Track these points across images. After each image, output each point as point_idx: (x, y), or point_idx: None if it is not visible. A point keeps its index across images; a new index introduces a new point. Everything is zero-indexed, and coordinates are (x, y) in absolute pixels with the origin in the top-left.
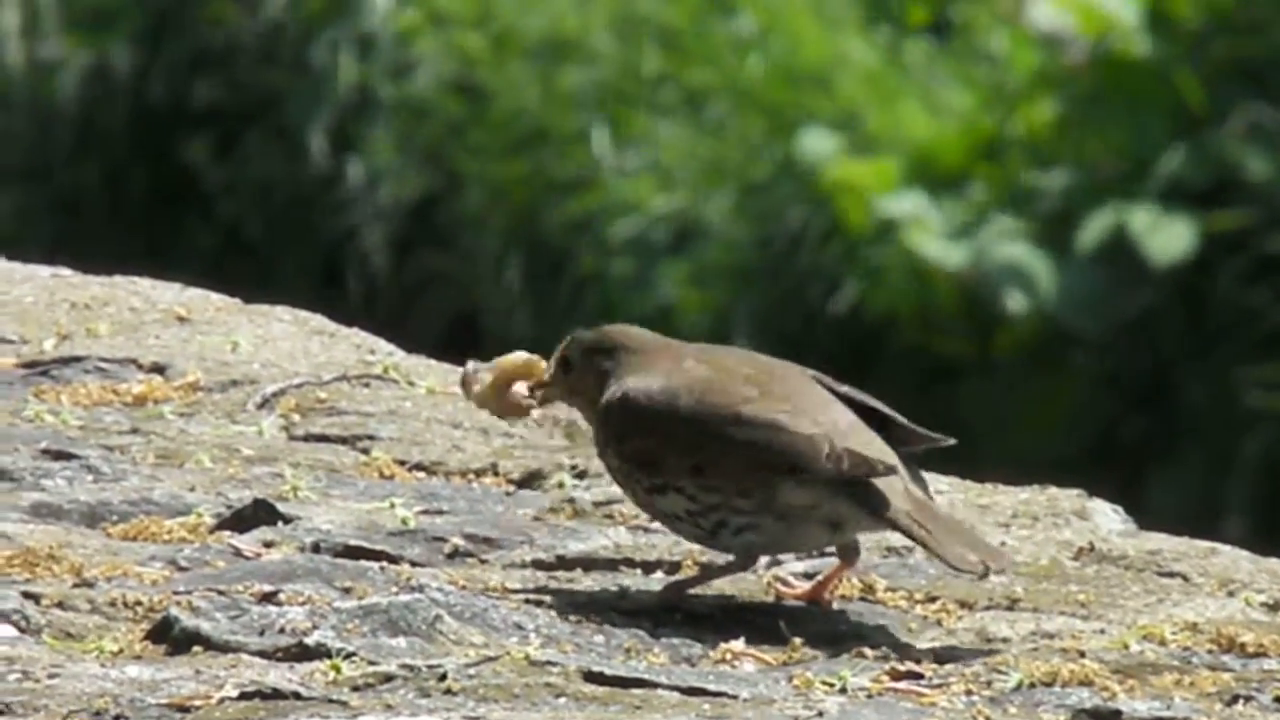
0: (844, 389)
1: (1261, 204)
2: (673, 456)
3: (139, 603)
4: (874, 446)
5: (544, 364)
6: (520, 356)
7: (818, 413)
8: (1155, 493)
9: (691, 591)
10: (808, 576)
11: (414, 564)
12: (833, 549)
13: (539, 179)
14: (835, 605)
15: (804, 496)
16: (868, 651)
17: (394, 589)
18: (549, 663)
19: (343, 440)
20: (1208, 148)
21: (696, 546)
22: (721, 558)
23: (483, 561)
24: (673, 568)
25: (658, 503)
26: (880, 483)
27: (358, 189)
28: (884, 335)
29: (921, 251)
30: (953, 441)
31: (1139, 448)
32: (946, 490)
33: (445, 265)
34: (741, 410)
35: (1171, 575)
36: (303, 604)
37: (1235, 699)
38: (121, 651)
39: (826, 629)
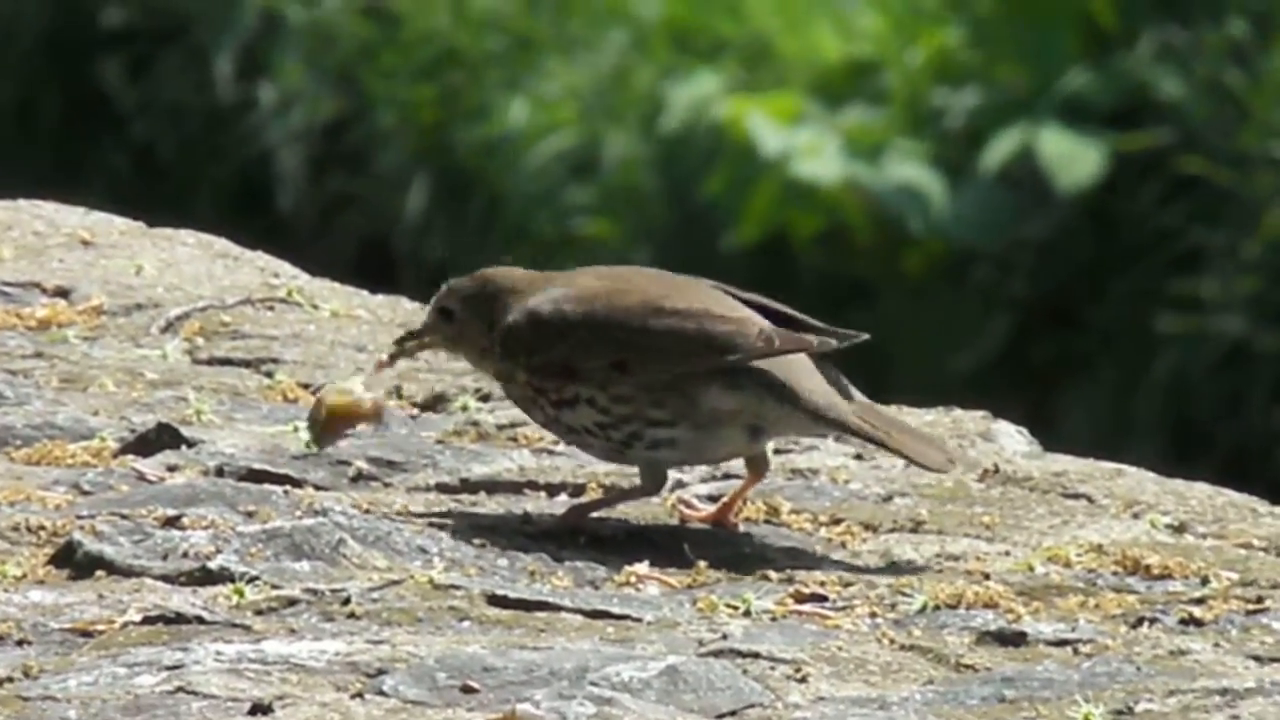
0: (747, 295)
1: (1173, 125)
2: (591, 358)
3: (42, 527)
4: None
5: (365, 402)
6: (347, 397)
7: (736, 306)
8: (1065, 414)
9: (595, 515)
10: (712, 499)
11: (317, 488)
12: (739, 463)
13: (448, 102)
14: (740, 528)
15: (730, 401)
16: (772, 574)
17: (297, 513)
18: (453, 586)
19: (246, 364)
20: (1119, 68)
21: (602, 468)
22: (628, 478)
23: (386, 485)
24: (577, 490)
25: (565, 417)
26: (813, 386)
27: (269, 112)
28: (791, 259)
29: (812, 176)
30: (865, 336)
31: (1049, 369)
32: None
33: (357, 188)
34: (661, 303)
35: (1077, 497)
36: (206, 528)
37: (1140, 621)
38: (25, 576)
39: (731, 552)
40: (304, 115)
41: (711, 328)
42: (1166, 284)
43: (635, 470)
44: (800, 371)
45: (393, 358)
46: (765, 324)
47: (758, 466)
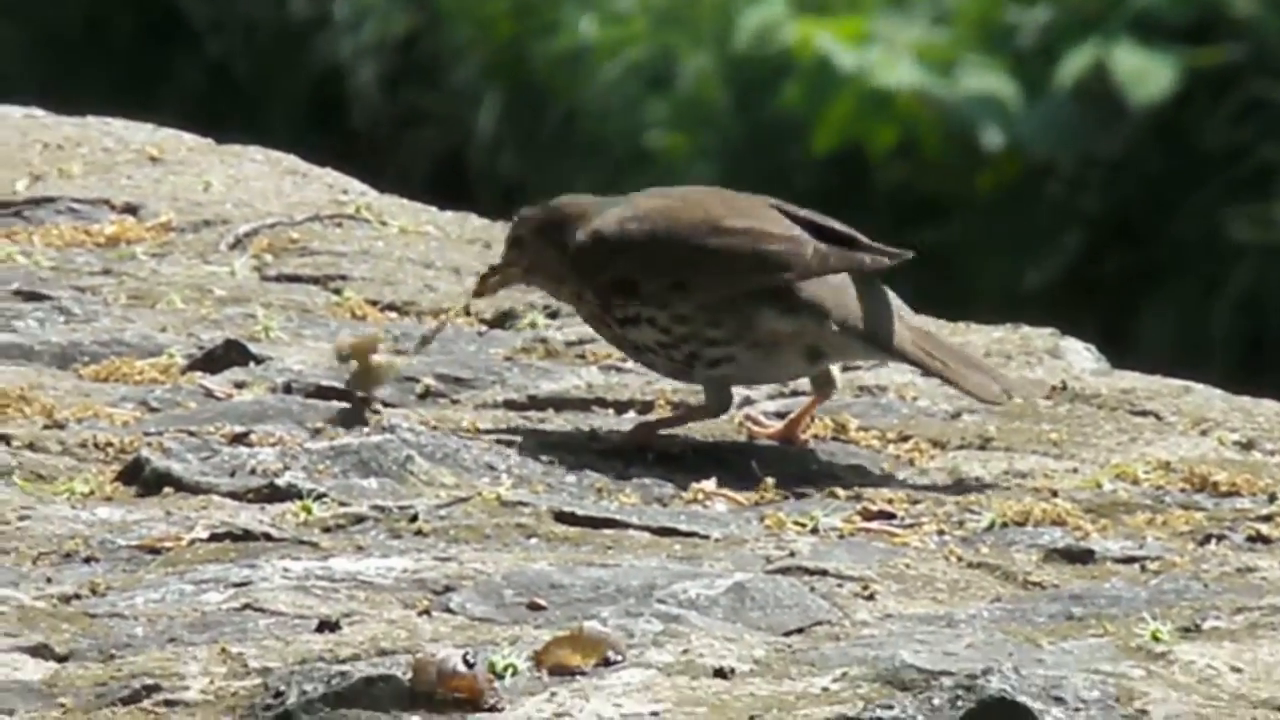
0: (803, 213)
1: (1246, 40)
2: (652, 277)
3: (110, 444)
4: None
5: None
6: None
7: (790, 226)
8: (1138, 330)
9: (663, 432)
10: (780, 416)
11: (385, 404)
12: (807, 382)
13: (522, 15)
14: (808, 444)
15: (785, 324)
16: (840, 491)
17: (365, 429)
18: (520, 503)
19: (315, 280)
20: None
21: (669, 385)
22: (696, 396)
23: (454, 402)
24: (645, 407)
25: (630, 335)
26: (868, 311)
27: (343, 27)
28: (865, 175)
29: (889, 84)
30: (911, 254)
31: (1121, 285)
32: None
33: (430, 103)
34: (719, 222)
35: (1144, 414)
36: (274, 445)
37: (1208, 538)
38: (92, 493)
39: (798, 469)
40: (377, 30)
41: (766, 246)
42: (1238, 200)
43: (701, 388)
44: (857, 296)
45: (478, 295)
46: (818, 243)
47: (823, 386)
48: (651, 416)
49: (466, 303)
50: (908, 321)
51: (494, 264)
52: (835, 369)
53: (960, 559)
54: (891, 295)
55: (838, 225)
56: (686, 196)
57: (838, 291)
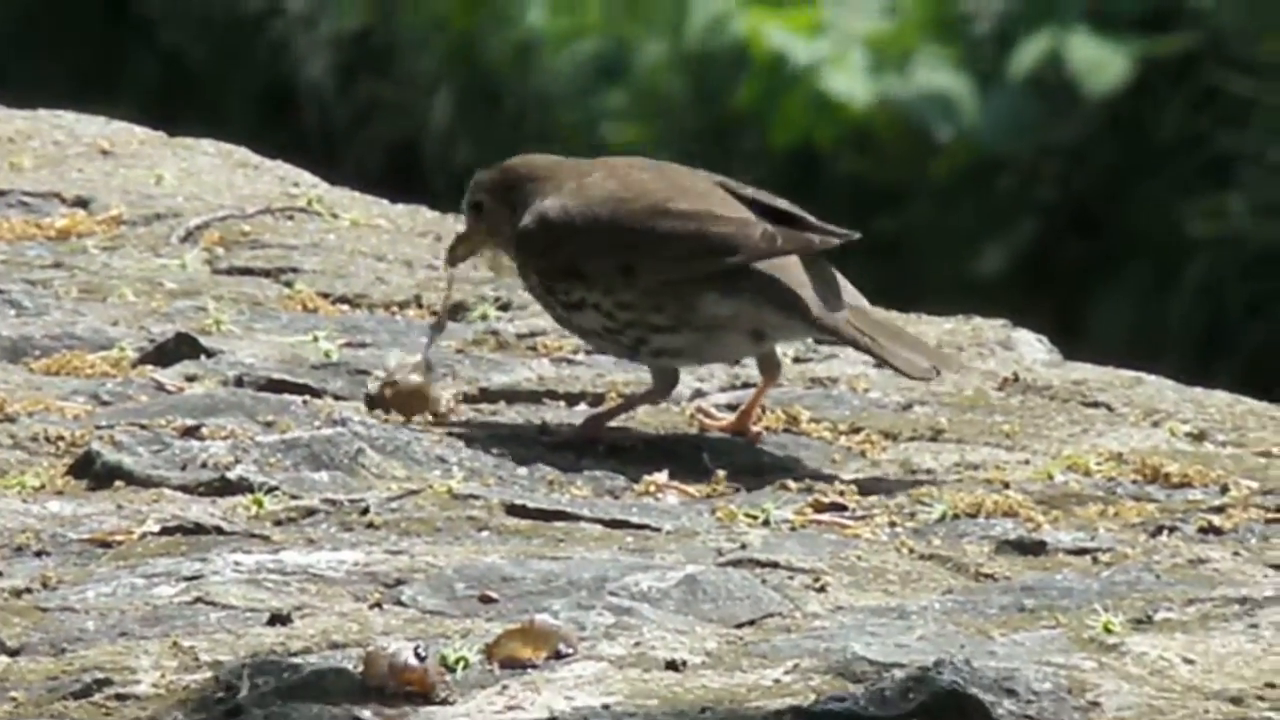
0: (749, 191)
1: (1202, 29)
2: (598, 261)
3: (61, 437)
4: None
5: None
6: (412, 382)
7: (738, 207)
8: (1093, 320)
9: (615, 423)
10: (731, 408)
11: (337, 397)
12: (753, 364)
13: (476, 6)
14: (760, 436)
15: (727, 307)
16: (791, 484)
17: (316, 423)
18: (471, 496)
19: (266, 273)
20: None
21: (621, 378)
22: (645, 384)
23: None
24: (596, 399)
25: (575, 319)
26: (809, 291)
27: (297, 20)
28: (819, 166)
29: (841, 91)
30: (857, 235)
31: (1077, 275)
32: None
33: (385, 95)
34: (666, 205)
35: (1096, 405)
36: (225, 438)
37: (1160, 530)
38: (43, 487)
39: (750, 461)
40: (331, 23)
41: (714, 230)
42: (1194, 190)
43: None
44: (797, 276)
45: (450, 264)
46: (766, 225)
47: (770, 369)
48: (601, 409)
49: (449, 292)
50: (846, 300)
51: (460, 232)
52: (780, 353)
53: (912, 551)
54: (834, 272)
55: (784, 204)
56: (632, 176)
57: (779, 272)
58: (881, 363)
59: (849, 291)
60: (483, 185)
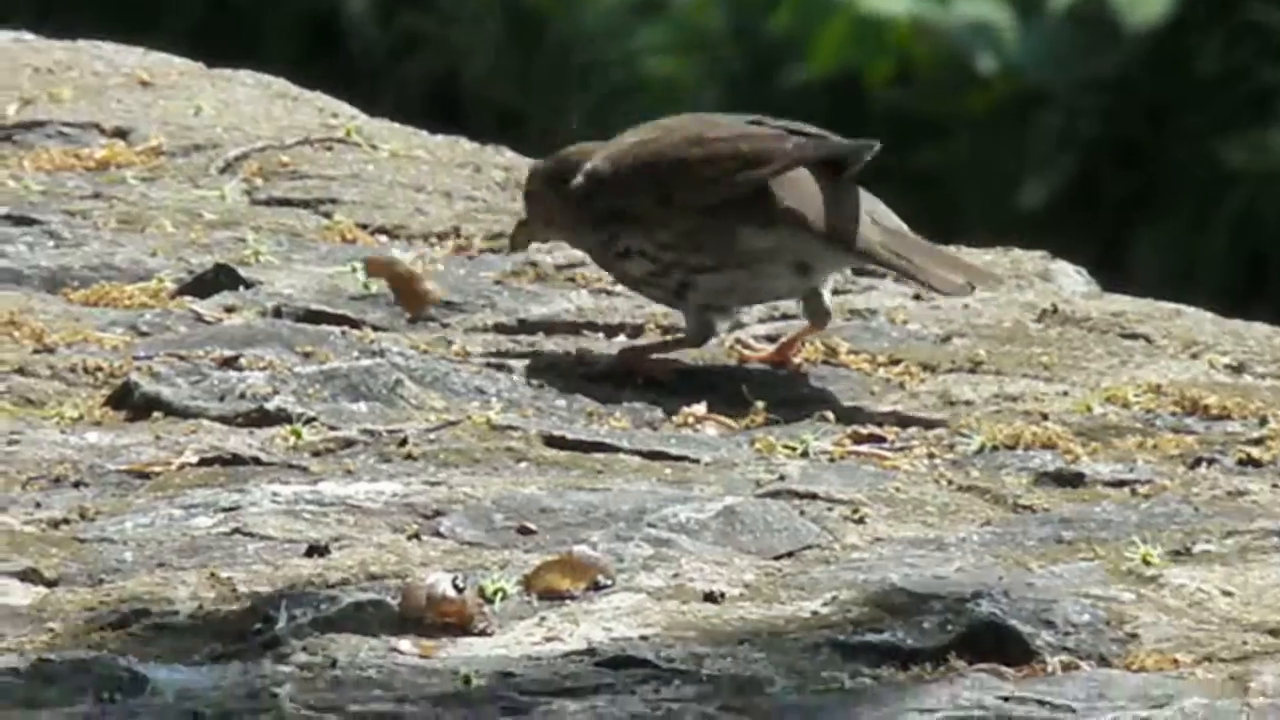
0: (780, 122)
1: None
2: (637, 196)
3: (99, 368)
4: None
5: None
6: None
7: (768, 131)
8: (1136, 252)
9: (652, 356)
10: (770, 339)
11: (375, 328)
12: (801, 305)
13: None
14: (800, 368)
15: (765, 239)
16: (830, 415)
17: (355, 353)
18: (510, 427)
19: (305, 204)
20: None
21: (660, 310)
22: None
23: (444, 325)
24: (635, 331)
25: (628, 269)
26: (845, 216)
27: None
28: (860, 99)
29: (881, 11)
30: (877, 144)
31: (1119, 208)
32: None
33: (426, 28)
34: (700, 134)
35: (1135, 337)
36: (263, 369)
37: (1198, 461)
38: (81, 418)
39: (789, 393)
40: None
41: (744, 146)
42: (1235, 124)
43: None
44: (832, 203)
45: (513, 250)
46: (797, 138)
47: (817, 314)
48: (640, 341)
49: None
50: (881, 223)
51: (521, 219)
52: (828, 296)
53: (950, 482)
54: (865, 194)
55: (812, 129)
56: (668, 124)
57: (813, 199)
58: (915, 281)
59: (886, 215)
60: (538, 175)
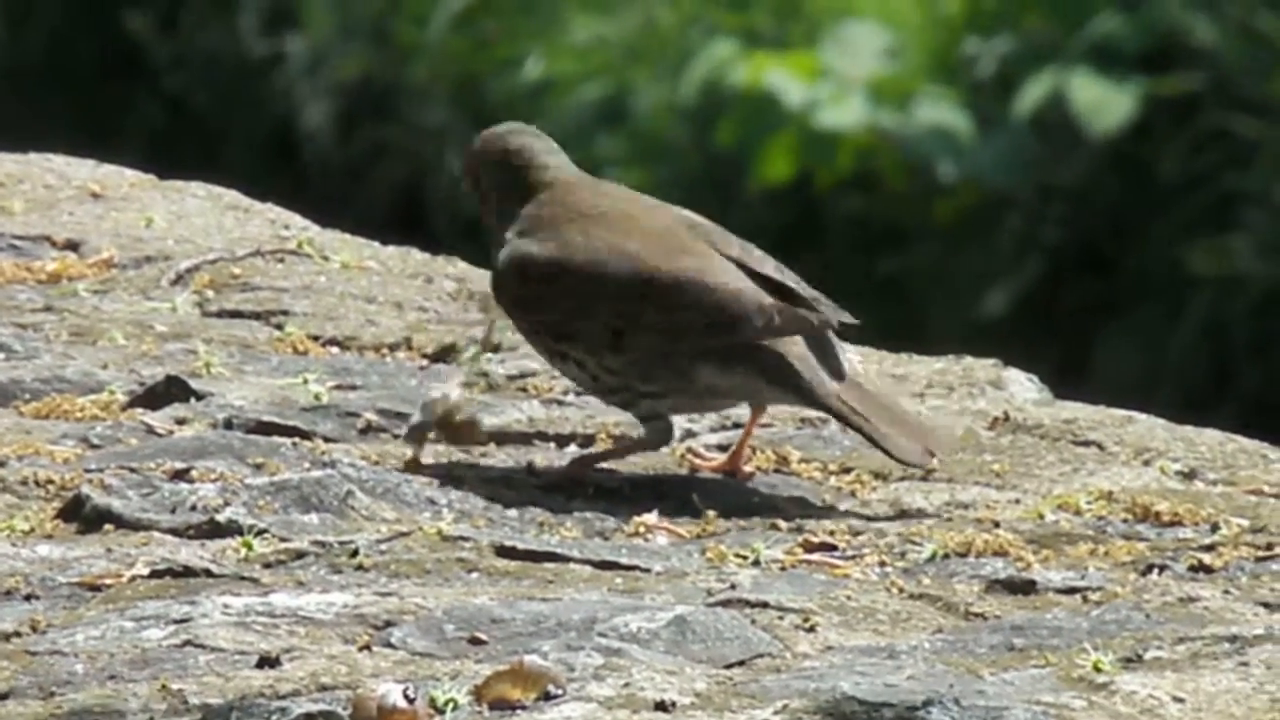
0: (734, 251)
1: (1205, 70)
2: (585, 323)
3: (50, 481)
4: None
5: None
6: (451, 400)
7: (733, 273)
8: (1100, 358)
9: (602, 465)
10: (722, 448)
11: (326, 440)
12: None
13: (482, 49)
14: (751, 476)
15: (724, 380)
16: (781, 524)
17: (306, 465)
18: (461, 538)
19: (256, 316)
20: (1149, 12)
21: (611, 419)
22: (637, 428)
23: (396, 436)
24: (587, 441)
25: (560, 367)
26: (808, 365)
27: (299, 65)
28: (822, 205)
29: (834, 125)
30: (857, 322)
31: (1081, 315)
32: (859, 361)
33: (389, 139)
34: (658, 272)
35: (1087, 444)
36: (215, 481)
37: (1150, 568)
38: (33, 530)
39: (740, 501)
40: (335, 68)
41: (710, 302)
42: (1198, 230)
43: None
44: (796, 348)
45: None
46: (766, 300)
47: (758, 404)
48: (593, 450)
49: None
50: (844, 371)
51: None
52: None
53: (902, 590)
54: (832, 340)
55: (773, 270)
56: (626, 234)
57: (778, 344)
58: (872, 444)
59: (847, 362)
60: (476, 154)
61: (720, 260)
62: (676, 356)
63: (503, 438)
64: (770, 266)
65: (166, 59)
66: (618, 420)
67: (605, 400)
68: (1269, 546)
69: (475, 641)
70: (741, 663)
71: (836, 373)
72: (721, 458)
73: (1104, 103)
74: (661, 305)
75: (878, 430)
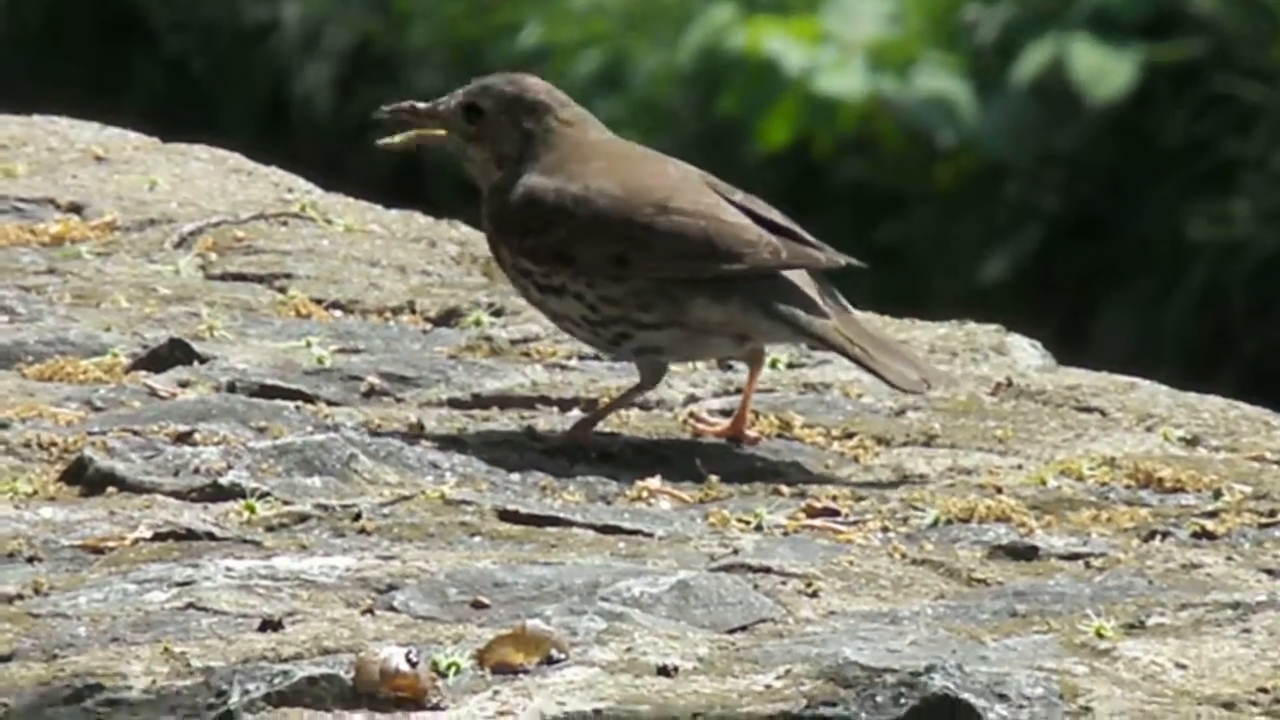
0: (738, 196)
1: (1205, 36)
2: (591, 248)
3: (53, 443)
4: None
5: None
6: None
7: (736, 213)
8: (1099, 325)
9: (608, 428)
10: (725, 413)
11: (329, 403)
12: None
13: (480, 15)
14: (755, 441)
15: (717, 313)
16: (784, 489)
17: (309, 428)
18: (464, 501)
19: (259, 279)
20: None
21: (614, 383)
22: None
23: (398, 400)
24: (589, 405)
25: (550, 303)
26: (800, 298)
27: (300, 27)
28: (822, 171)
29: (835, 91)
30: (862, 265)
31: (1080, 282)
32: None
33: (389, 101)
34: (667, 201)
35: (1089, 410)
36: (218, 444)
37: (1152, 534)
38: (35, 493)
39: (743, 466)
40: (335, 33)
41: (717, 233)
42: (1198, 196)
43: (633, 366)
44: (787, 282)
45: (397, 120)
46: (769, 236)
47: (755, 360)
48: (590, 413)
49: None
50: (835, 306)
51: (429, 107)
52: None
53: (904, 556)
54: (824, 279)
55: (779, 216)
56: (632, 170)
57: (771, 278)
58: (871, 373)
59: (838, 298)
60: (494, 93)
61: (720, 197)
62: (674, 285)
63: (505, 402)
64: (776, 214)
65: (166, 22)
66: (620, 384)
67: (596, 339)
68: (1271, 513)
69: (478, 605)
70: (744, 628)
71: (830, 307)
72: (725, 423)
73: (1104, 69)
74: (670, 232)
75: (875, 359)
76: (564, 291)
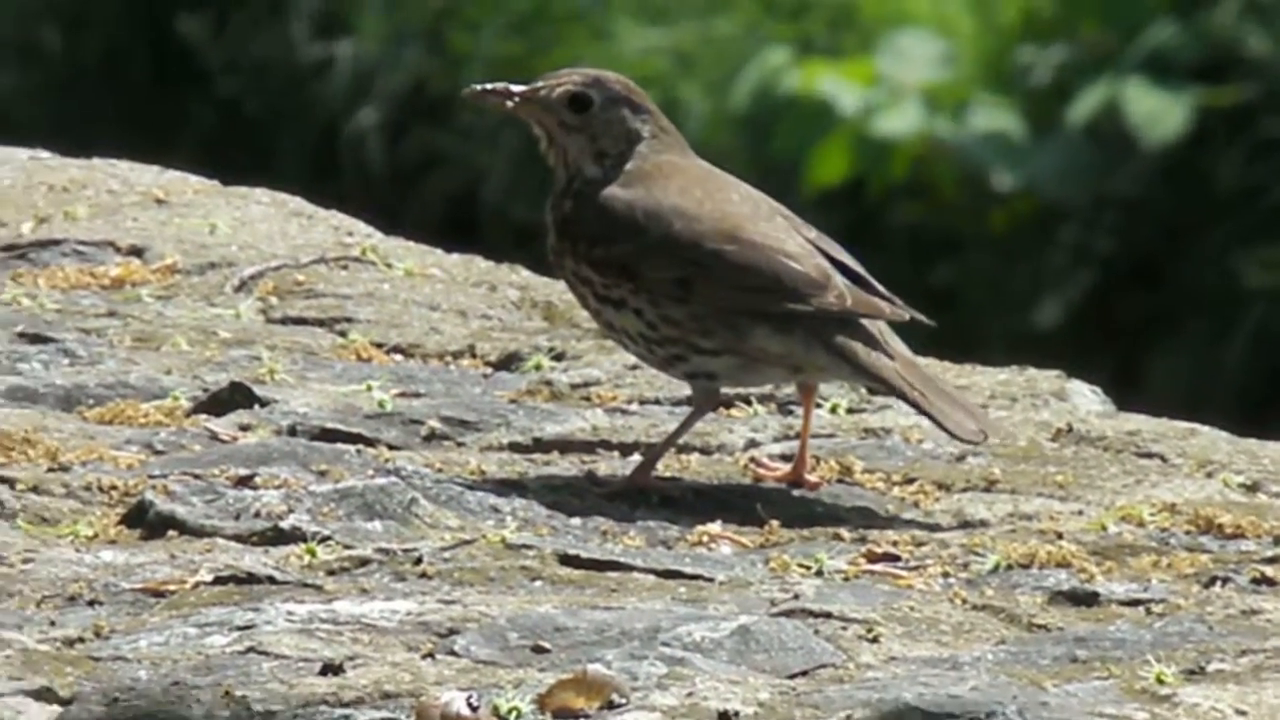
0: (811, 234)
1: (1259, 80)
2: (657, 267)
3: (114, 487)
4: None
5: None
6: None
7: (808, 248)
8: (1151, 371)
9: (668, 473)
10: (785, 459)
11: (390, 447)
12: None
13: (537, 56)
14: (817, 486)
15: (778, 345)
16: (845, 534)
17: (370, 472)
18: (525, 546)
19: (320, 323)
20: (1204, 22)
21: (674, 427)
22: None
23: (459, 444)
24: (649, 449)
25: (607, 314)
26: (861, 337)
27: (353, 70)
28: (877, 213)
29: (889, 132)
30: (930, 322)
31: (1135, 326)
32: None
33: (443, 146)
34: (738, 231)
35: (1150, 456)
36: (278, 487)
37: (1213, 580)
38: (96, 536)
39: (803, 511)
40: (388, 74)
41: (786, 269)
42: (1253, 241)
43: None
44: (852, 322)
45: (488, 94)
46: (840, 280)
47: (807, 391)
48: (648, 455)
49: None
50: (895, 350)
51: (521, 90)
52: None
53: (965, 601)
54: (883, 324)
55: (849, 259)
56: (709, 193)
57: (838, 319)
58: (929, 419)
59: (897, 342)
60: (608, 89)
61: (801, 239)
62: (735, 315)
63: (566, 446)
64: (847, 256)
65: (219, 64)
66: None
67: (649, 356)
68: None
69: (538, 650)
70: (805, 673)
71: (891, 350)
72: (785, 468)
73: (1159, 112)
74: (738, 261)
75: (934, 405)
76: (624, 305)
